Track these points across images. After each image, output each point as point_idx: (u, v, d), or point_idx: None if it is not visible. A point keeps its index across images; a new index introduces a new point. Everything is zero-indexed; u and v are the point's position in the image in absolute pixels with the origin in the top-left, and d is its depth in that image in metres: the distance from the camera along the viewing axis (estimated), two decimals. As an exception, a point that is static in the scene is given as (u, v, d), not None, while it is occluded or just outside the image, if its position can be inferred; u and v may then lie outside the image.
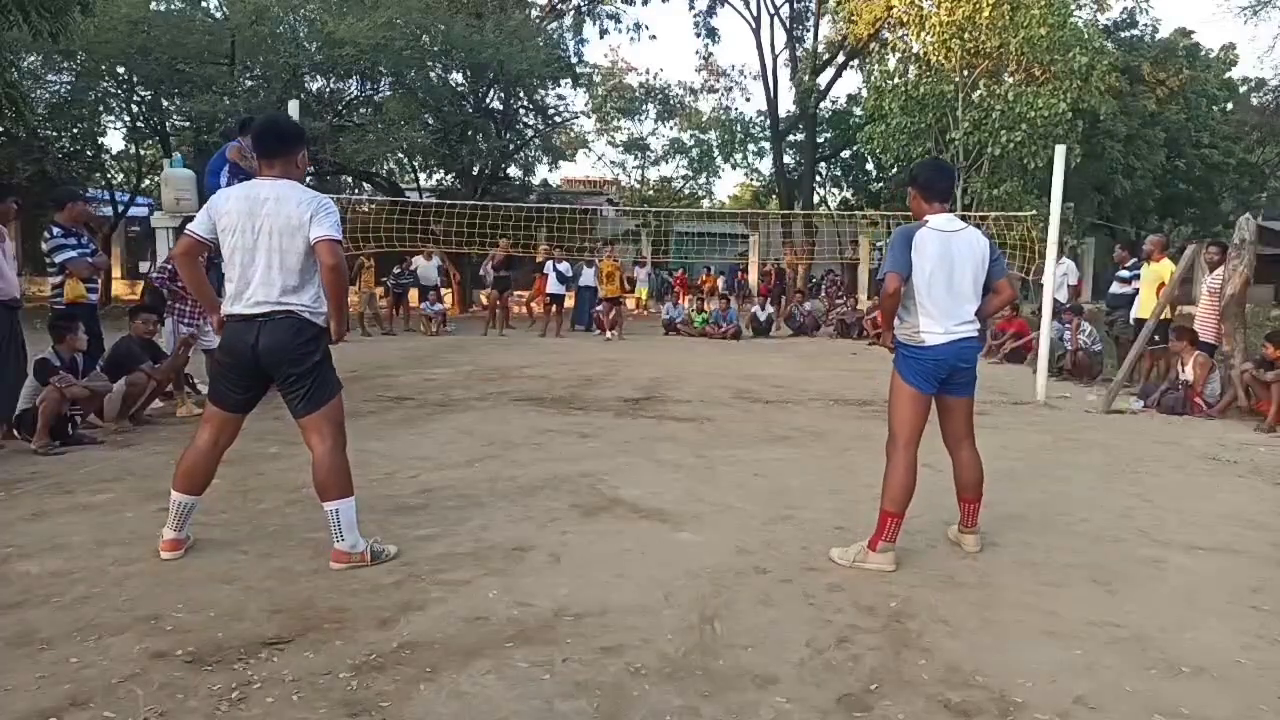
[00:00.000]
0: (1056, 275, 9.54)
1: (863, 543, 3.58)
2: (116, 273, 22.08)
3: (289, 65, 16.57)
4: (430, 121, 19.57)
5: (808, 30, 27.47)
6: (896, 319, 3.65)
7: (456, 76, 20.14)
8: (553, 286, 15.80)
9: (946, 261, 3.56)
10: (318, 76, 18.32)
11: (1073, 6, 17.99)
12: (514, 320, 16.36)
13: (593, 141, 30.73)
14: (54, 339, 5.77)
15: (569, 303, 17.29)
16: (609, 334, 14.76)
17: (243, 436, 5.86)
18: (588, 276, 17.20)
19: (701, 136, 32.45)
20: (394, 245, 15.06)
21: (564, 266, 15.94)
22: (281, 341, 3.30)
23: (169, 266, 6.73)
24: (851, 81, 53.29)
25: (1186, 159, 25.76)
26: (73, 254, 6.38)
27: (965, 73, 17.29)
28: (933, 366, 3.58)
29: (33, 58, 15.59)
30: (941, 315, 3.55)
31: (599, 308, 16.25)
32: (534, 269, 16.46)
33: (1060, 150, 8.62)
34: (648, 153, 32.75)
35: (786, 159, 29.37)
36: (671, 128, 32.24)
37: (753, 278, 22.75)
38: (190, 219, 3.76)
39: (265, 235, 3.26)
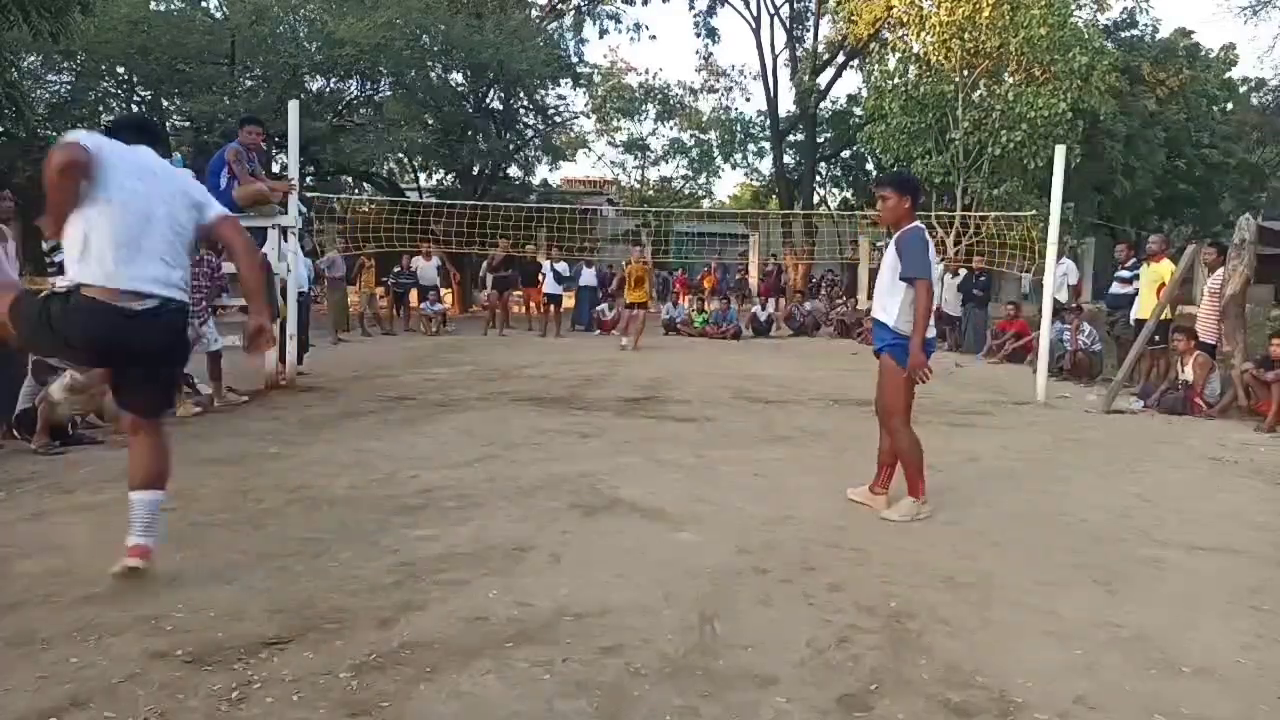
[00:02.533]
0: (1056, 275, 9.55)
1: (908, 499, 4.21)
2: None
3: (289, 65, 16.57)
4: (430, 121, 19.57)
5: (808, 30, 27.47)
6: (899, 315, 4.13)
7: (456, 76, 20.14)
8: (550, 286, 15.78)
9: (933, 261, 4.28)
10: (318, 76, 18.31)
11: (1073, 6, 17.97)
12: (514, 320, 16.36)
13: (593, 141, 30.70)
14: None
15: (569, 302, 17.30)
16: (624, 341, 12.97)
17: (243, 436, 5.88)
18: (587, 276, 17.20)
19: (701, 136, 32.45)
20: (394, 245, 15.07)
21: (562, 266, 15.92)
22: (168, 339, 2.99)
23: None
24: (851, 81, 53.28)
25: (1186, 159, 25.75)
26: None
27: (965, 73, 17.28)
28: (926, 354, 4.14)
29: (33, 58, 15.57)
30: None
31: (600, 307, 16.22)
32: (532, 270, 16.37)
33: (1060, 150, 8.63)
34: (648, 153, 32.76)
35: (786, 159, 29.36)
36: (671, 128, 32.27)
37: (753, 278, 22.74)
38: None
39: (160, 202, 2.91)
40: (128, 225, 2.89)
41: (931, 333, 4.20)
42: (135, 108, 18.56)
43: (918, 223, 4.24)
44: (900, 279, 4.16)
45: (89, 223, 2.85)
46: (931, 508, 4.29)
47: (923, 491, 4.24)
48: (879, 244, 22.16)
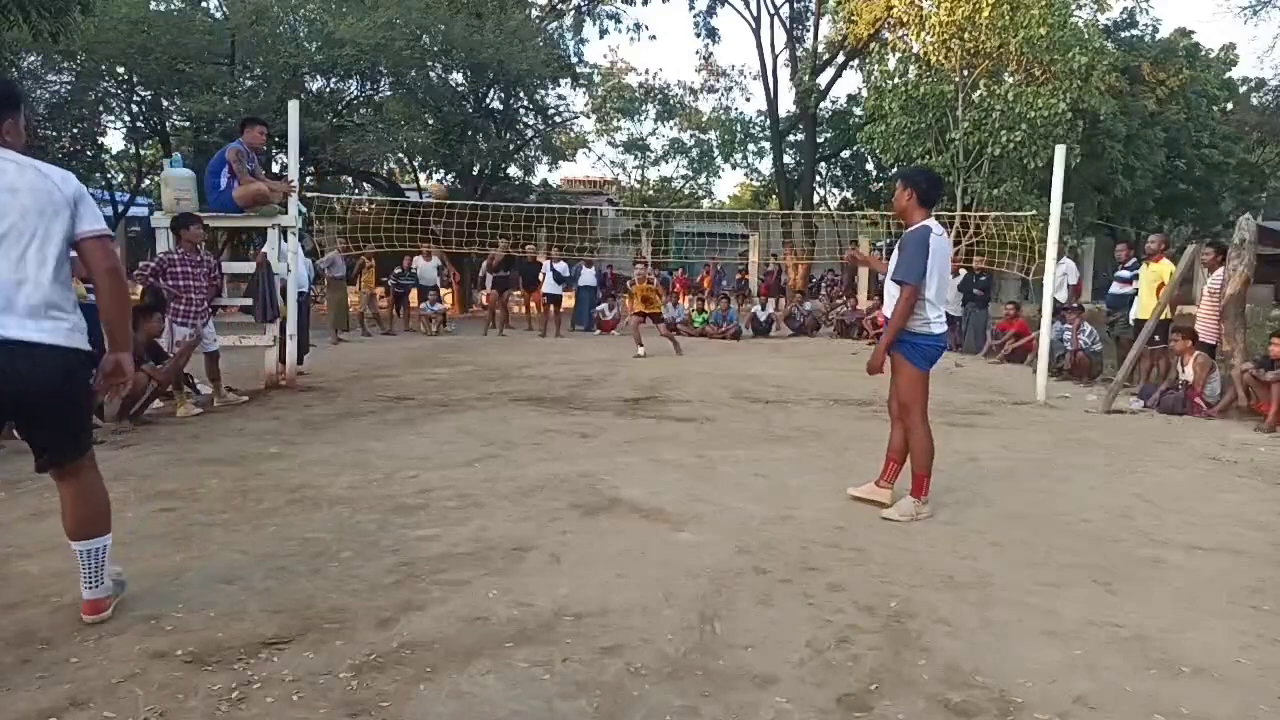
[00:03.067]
0: (1056, 275, 9.55)
1: (910, 499, 4.23)
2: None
3: (289, 65, 16.56)
4: (430, 121, 19.56)
5: (808, 30, 27.44)
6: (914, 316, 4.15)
7: (456, 76, 20.12)
8: (549, 286, 15.78)
9: (944, 260, 4.19)
10: (318, 76, 18.30)
11: (1073, 6, 17.96)
12: (514, 320, 16.36)
13: (593, 141, 30.72)
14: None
15: (568, 302, 17.30)
16: (640, 350, 12.16)
17: (243, 436, 5.88)
18: (587, 276, 17.19)
19: (701, 136, 32.46)
20: (394, 245, 15.06)
21: (561, 266, 15.90)
22: (45, 381, 2.49)
23: (151, 264, 6.73)
24: (851, 81, 53.38)
25: (1186, 159, 25.76)
26: (73, 254, 6.38)
27: (965, 73, 17.28)
28: (938, 352, 4.25)
29: (33, 58, 15.57)
30: (941, 306, 4.20)
31: (600, 307, 16.20)
32: (532, 271, 16.35)
33: (1060, 150, 8.63)
34: (648, 153, 32.75)
35: (786, 159, 29.34)
36: (671, 128, 32.27)
37: (753, 278, 22.74)
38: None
39: (18, 218, 2.49)
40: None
41: (941, 328, 4.21)
42: (135, 108, 18.60)
43: (927, 221, 4.21)
44: (891, 279, 4.21)
45: None
46: (931, 509, 4.30)
47: (927, 490, 4.27)
48: (877, 244, 22.19)
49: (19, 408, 2.54)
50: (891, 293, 4.23)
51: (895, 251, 4.25)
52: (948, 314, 4.60)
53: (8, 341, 2.43)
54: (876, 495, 4.40)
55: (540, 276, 16.10)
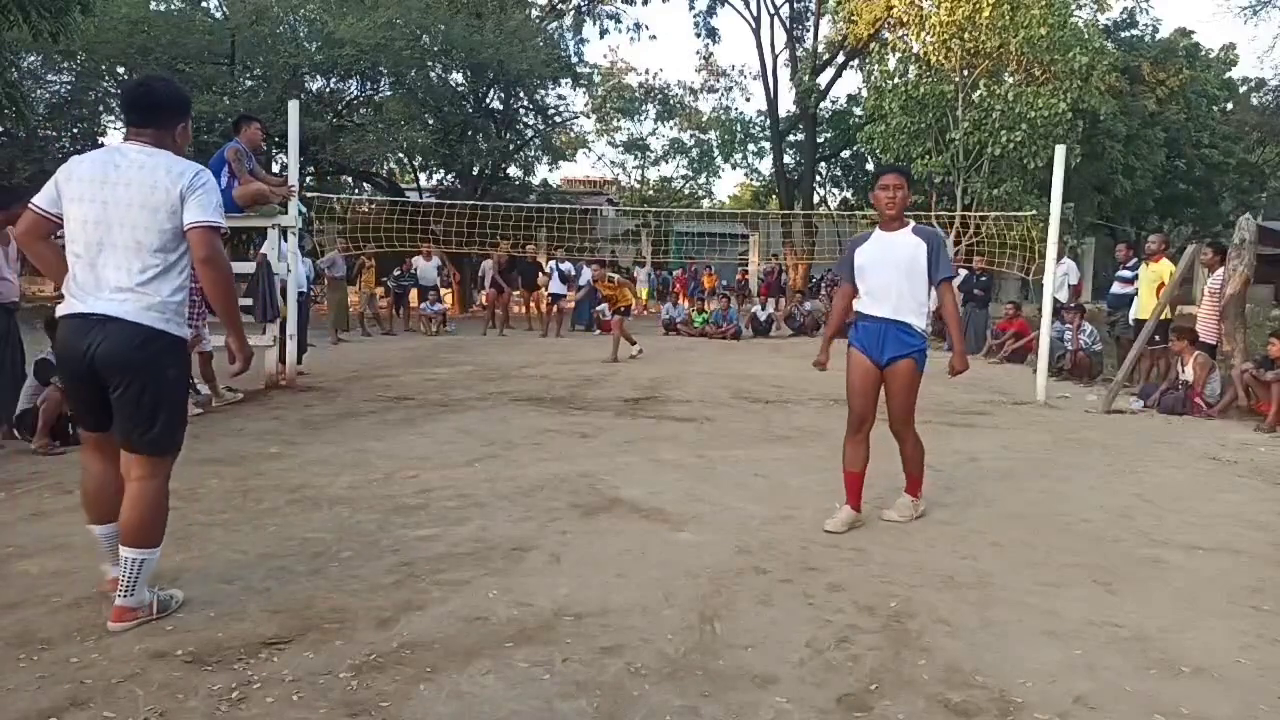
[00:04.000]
0: (1057, 275, 9.55)
1: (908, 498, 4.23)
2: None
3: (289, 65, 16.57)
4: (430, 121, 19.56)
5: (808, 30, 27.44)
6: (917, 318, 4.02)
7: (456, 76, 20.13)
8: (554, 286, 15.80)
9: (888, 261, 4.08)
10: (318, 76, 18.31)
11: (1073, 6, 17.97)
12: (514, 320, 16.36)
13: (593, 141, 30.73)
14: (52, 338, 5.76)
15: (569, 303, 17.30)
16: (634, 350, 11.87)
17: (243, 436, 5.88)
18: (587, 276, 17.17)
19: (701, 136, 32.46)
20: (394, 245, 15.06)
21: (566, 266, 15.91)
22: (121, 349, 2.66)
23: None
24: (851, 81, 53.39)
25: (1186, 159, 25.77)
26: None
27: (965, 73, 17.28)
28: (867, 329, 4.11)
29: (33, 58, 15.58)
30: (874, 305, 4.09)
31: (600, 307, 16.17)
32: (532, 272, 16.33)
33: (1060, 150, 8.63)
34: (648, 153, 32.76)
35: (786, 159, 29.34)
36: (671, 128, 32.27)
37: (752, 278, 22.74)
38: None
39: (121, 209, 2.70)
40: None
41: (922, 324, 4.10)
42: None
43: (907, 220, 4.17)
44: (939, 280, 4.01)
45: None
46: (925, 505, 4.33)
47: (921, 489, 4.30)
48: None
49: (95, 374, 2.71)
50: (920, 294, 3.99)
51: (908, 249, 3.96)
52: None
53: (90, 315, 2.69)
54: (913, 508, 4.26)
55: (543, 276, 16.08)
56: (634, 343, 11.86)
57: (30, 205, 2.84)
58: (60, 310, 2.79)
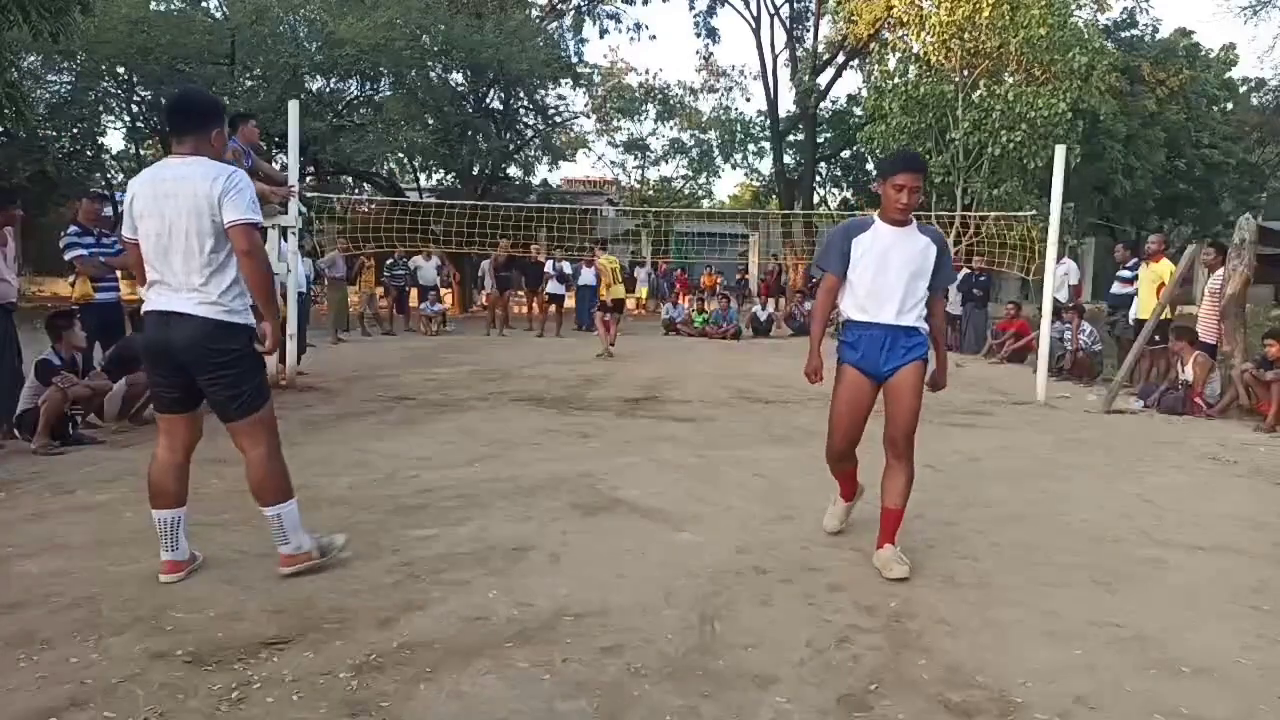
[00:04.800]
0: (1057, 275, 9.54)
1: (895, 549, 3.49)
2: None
3: (289, 65, 16.56)
4: (430, 121, 19.55)
5: (808, 30, 27.47)
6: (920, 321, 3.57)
7: (456, 76, 20.13)
8: (553, 286, 15.78)
9: (882, 260, 3.60)
10: (318, 76, 18.30)
11: (1073, 6, 17.98)
12: (514, 320, 16.36)
13: (593, 141, 30.69)
14: (51, 338, 5.77)
15: (568, 302, 17.28)
16: (610, 348, 11.99)
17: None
18: (587, 275, 17.15)
19: (701, 136, 32.44)
20: (394, 245, 15.06)
21: (565, 266, 15.88)
22: (196, 340, 3.04)
23: None
24: (851, 81, 53.36)
25: (1186, 159, 25.78)
26: (82, 252, 6.42)
27: (965, 73, 17.28)
28: (863, 337, 3.70)
29: (33, 58, 15.56)
30: (871, 311, 3.64)
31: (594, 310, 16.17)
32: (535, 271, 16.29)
33: (1060, 150, 8.63)
34: (648, 153, 32.74)
35: (786, 159, 29.36)
36: (671, 128, 32.25)
37: (753, 278, 22.74)
38: None
39: (176, 219, 3.02)
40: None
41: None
42: (135, 108, 18.60)
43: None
44: (944, 287, 3.65)
45: None
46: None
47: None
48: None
49: (177, 364, 3.10)
50: (919, 295, 3.53)
51: (916, 250, 3.50)
52: (948, 313, 4.18)
53: (164, 312, 3.08)
54: (896, 558, 3.48)
55: (544, 276, 16.05)
56: (610, 346, 11.72)
57: (124, 238, 3.24)
58: (144, 308, 3.17)
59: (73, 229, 6.50)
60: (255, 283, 3.12)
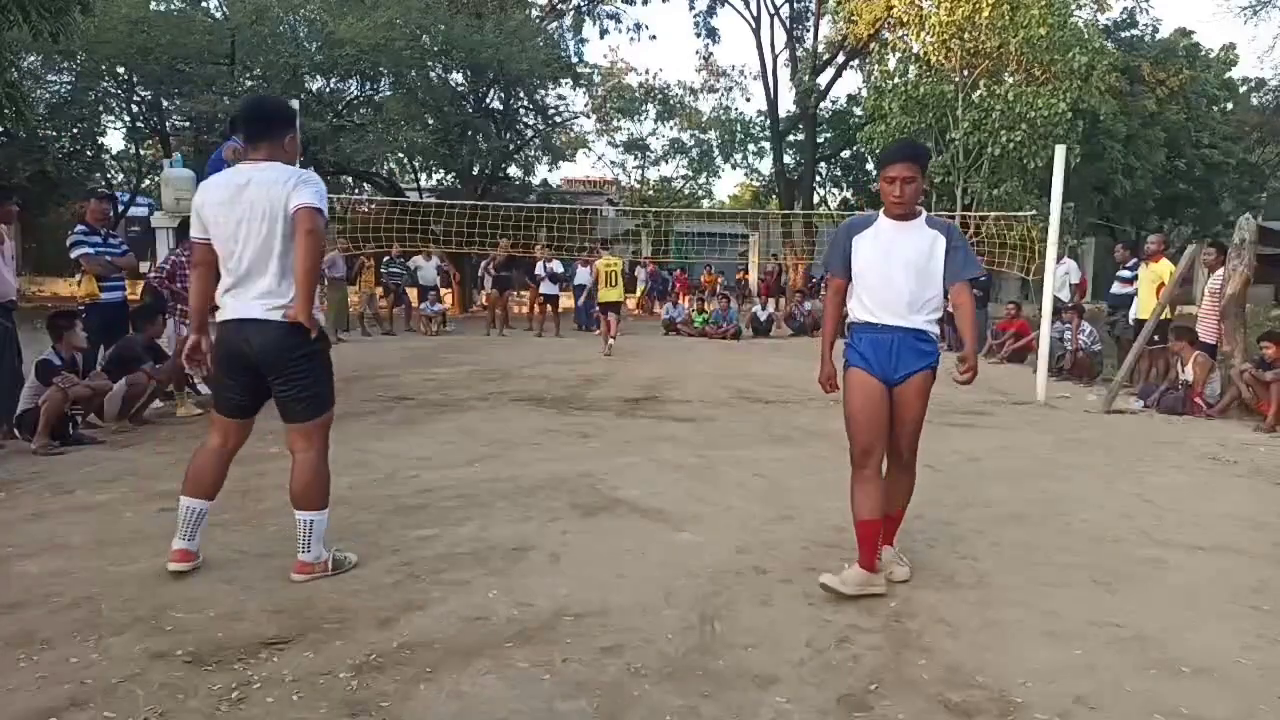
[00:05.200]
0: (1058, 275, 9.53)
1: (893, 550, 3.43)
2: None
3: (289, 65, 16.56)
4: (430, 121, 19.55)
5: (808, 30, 27.46)
6: (938, 323, 3.36)
7: (456, 76, 20.13)
8: (546, 287, 15.63)
9: (885, 259, 3.38)
10: (318, 76, 18.30)
11: (1073, 6, 17.97)
12: (514, 320, 16.35)
13: (593, 141, 30.69)
14: (52, 338, 5.78)
15: (569, 302, 17.28)
16: (609, 347, 12.47)
17: (243, 436, 5.87)
18: (583, 275, 17.12)
19: (701, 136, 32.44)
20: (393, 245, 15.05)
21: (555, 265, 15.71)
22: (271, 345, 3.13)
23: (165, 267, 6.74)
24: (851, 81, 53.36)
25: (1186, 159, 25.79)
26: (88, 250, 6.44)
27: (965, 73, 17.28)
28: (873, 342, 3.39)
29: (33, 58, 15.56)
30: (877, 311, 3.40)
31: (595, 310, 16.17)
32: (529, 272, 16.25)
33: (1060, 150, 8.63)
34: (648, 153, 32.73)
35: (786, 159, 29.35)
36: (671, 128, 32.25)
37: (753, 278, 22.74)
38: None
39: (247, 224, 3.08)
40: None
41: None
42: (135, 108, 18.60)
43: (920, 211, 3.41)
44: (958, 280, 3.33)
45: None
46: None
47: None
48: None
49: (253, 365, 3.17)
50: (924, 293, 3.29)
51: (922, 243, 3.32)
52: (948, 313, 3.53)
53: (241, 320, 3.14)
54: (890, 569, 3.41)
55: (536, 276, 15.98)
56: (610, 342, 12.11)
57: (193, 239, 3.27)
58: (219, 316, 3.23)
59: (80, 228, 6.55)
60: (306, 261, 3.09)
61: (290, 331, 3.13)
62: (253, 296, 3.12)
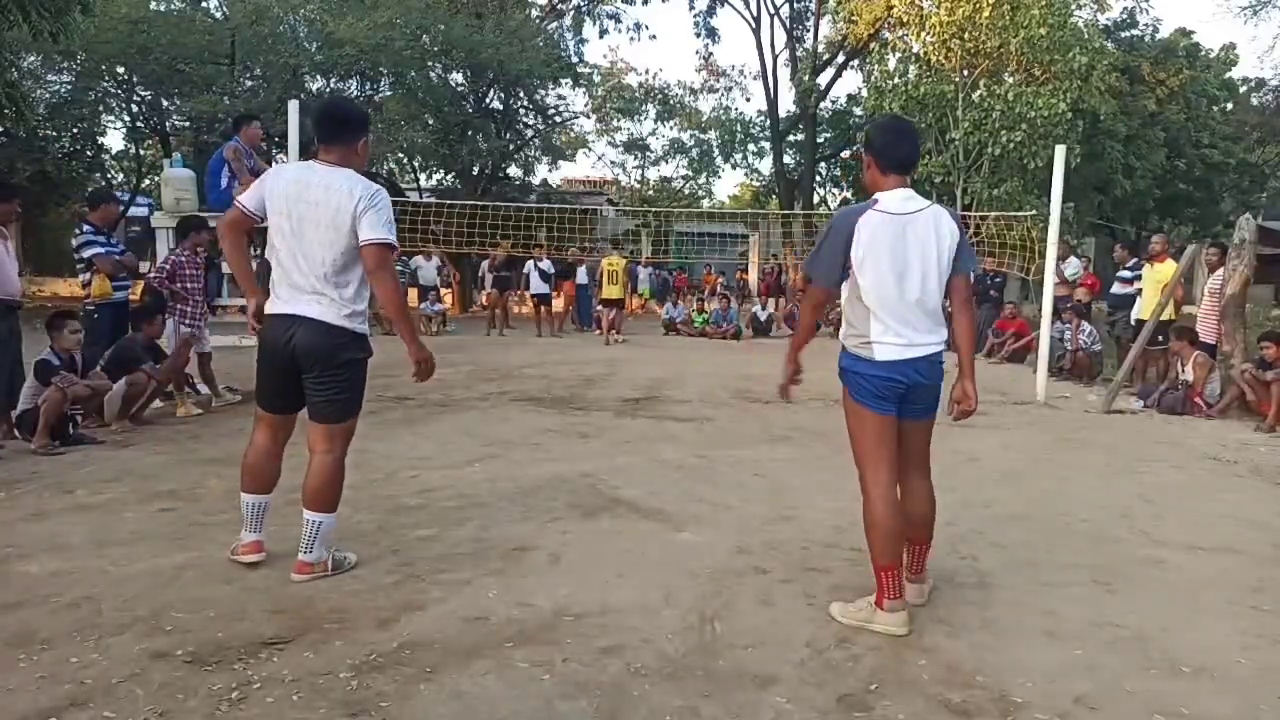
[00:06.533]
0: (1067, 274, 9.51)
1: (925, 580, 3.20)
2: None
3: (289, 65, 16.55)
4: (430, 121, 19.55)
5: (808, 30, 27.47)
6: (845, 324, 3.01)
7: (456, 76, 20.12)
8: (536, 287, 15.55)
9: (900, 254, 2.86)
10: (318, 76, 18.29)
11: (1073, 6, 17.97)
12: (514, 320, 16.34)
13: (593, 141, 30.72)
14: (51, 337, 5.78)
15: (569, 302, 17.26)
16: (605, 339, 13.86)
17: (243, 436, 5.87)
18: (580, 274, 17.09)
19: (701, 136, 32.46)
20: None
21: (545, 265, 15.67)
22: (316, 342, 3.15)
23: (165, 267, 6.75)
24: (851, 81, 53.35)
25: (1186, 159, 25.78)
26: (100, 250, 6.47)
27: (965, 73, 17.28)
28: (887, 386, 2.91)
29: (33, 58, 15.56)
30: (899, 324, 2.90)
31: (599, 307, 16.17)
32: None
33: (1060, 150, 8.62)
34: (648, 153, 32.76)
35: (786, 159, 29.36)
36: (671, 128, 32.28)
37: (753, 278, 22.74)
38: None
39: (310, 225, 3.12)
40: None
41: (888, 353, 2.91)
42: (135, 108, 18.59)
43: (881, 193, 2.95)
44: (962, 272, 2.96)
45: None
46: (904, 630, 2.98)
47: (888, 592, 2.95)
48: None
49: (294, 360, 3.18)
50: (939, 297, 2.99)
51: (926, 233, 2.92)
52: (948, 313, 3.02)
53: (290, 315, 3.16)
54: (916, 596, 3.12)
55: (525, 274, 15.90)
56: (606, 335, 12.58)
57: (237, 201, 3.28)
58: (268, 308, 3.23)
59: (86, 228, 6.58)
60: (388, 300, 3.25)
61: (337, 334, 3.17)
62: (306, 293, 3.15)
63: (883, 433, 2.96)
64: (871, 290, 2.88)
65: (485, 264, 15.79)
